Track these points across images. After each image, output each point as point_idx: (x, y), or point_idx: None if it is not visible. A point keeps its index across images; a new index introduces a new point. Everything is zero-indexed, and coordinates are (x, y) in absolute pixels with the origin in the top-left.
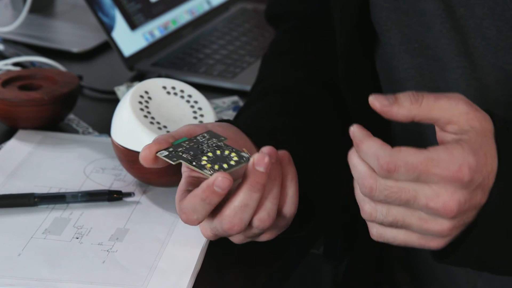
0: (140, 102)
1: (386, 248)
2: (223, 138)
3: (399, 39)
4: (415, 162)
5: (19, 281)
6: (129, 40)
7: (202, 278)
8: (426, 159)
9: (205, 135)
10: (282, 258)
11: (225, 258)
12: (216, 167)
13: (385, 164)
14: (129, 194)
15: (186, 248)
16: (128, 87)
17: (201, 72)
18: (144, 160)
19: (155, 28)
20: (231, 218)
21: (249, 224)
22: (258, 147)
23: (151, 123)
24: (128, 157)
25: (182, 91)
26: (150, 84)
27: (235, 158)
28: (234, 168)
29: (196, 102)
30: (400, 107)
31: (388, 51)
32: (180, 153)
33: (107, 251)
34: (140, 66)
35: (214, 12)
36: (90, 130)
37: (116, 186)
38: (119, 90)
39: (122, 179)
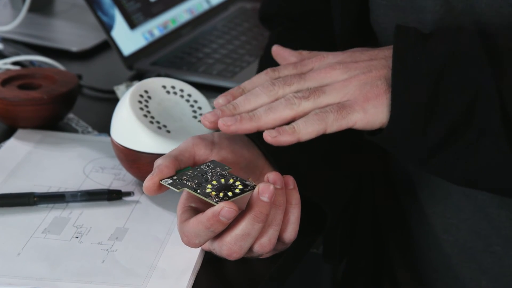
0: (140, 102)
1: (387, 246)
2: (227, 168)
3: None
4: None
5: (18, 280)
6: (129, 39)
7: (202, 277)
8: None
9: (209, 164)
10: (281, 257)
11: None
12: (221, 194)
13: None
14: (128, 194)
15: (185, 247)
16: (128, 87)
17: (200, 72)
18: (148, 190)
19: (154, 27)
20: (231, 245)
21: (249, 249)
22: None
23: (151, 122)
24: (128, 157)
25: (181, 90)
26: (150, 84)
27: (240, 187)
28: (239, 196)
29: (195, 101)
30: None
31: None
32: (184, 181)
33: (107, 250)
34: (140, 65)
35: (213, 12)
36: (90, 129)
37: (116, 185)
38: (119, 89)
39: (121, 179)
